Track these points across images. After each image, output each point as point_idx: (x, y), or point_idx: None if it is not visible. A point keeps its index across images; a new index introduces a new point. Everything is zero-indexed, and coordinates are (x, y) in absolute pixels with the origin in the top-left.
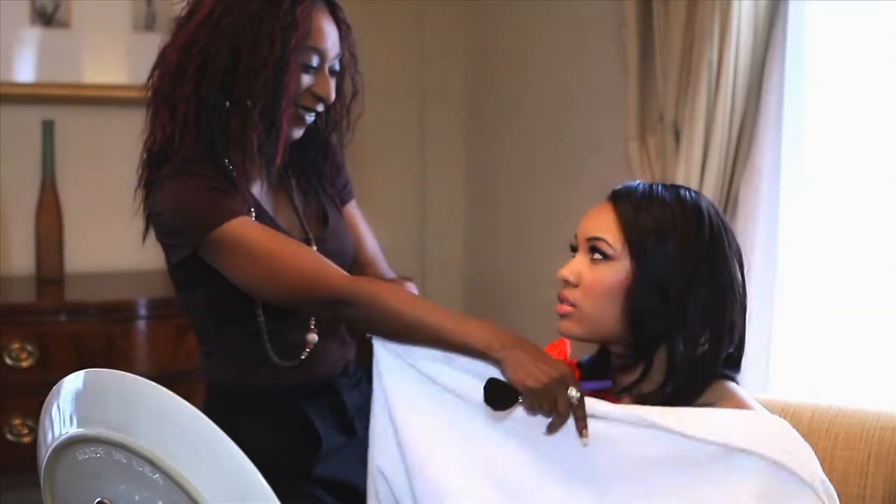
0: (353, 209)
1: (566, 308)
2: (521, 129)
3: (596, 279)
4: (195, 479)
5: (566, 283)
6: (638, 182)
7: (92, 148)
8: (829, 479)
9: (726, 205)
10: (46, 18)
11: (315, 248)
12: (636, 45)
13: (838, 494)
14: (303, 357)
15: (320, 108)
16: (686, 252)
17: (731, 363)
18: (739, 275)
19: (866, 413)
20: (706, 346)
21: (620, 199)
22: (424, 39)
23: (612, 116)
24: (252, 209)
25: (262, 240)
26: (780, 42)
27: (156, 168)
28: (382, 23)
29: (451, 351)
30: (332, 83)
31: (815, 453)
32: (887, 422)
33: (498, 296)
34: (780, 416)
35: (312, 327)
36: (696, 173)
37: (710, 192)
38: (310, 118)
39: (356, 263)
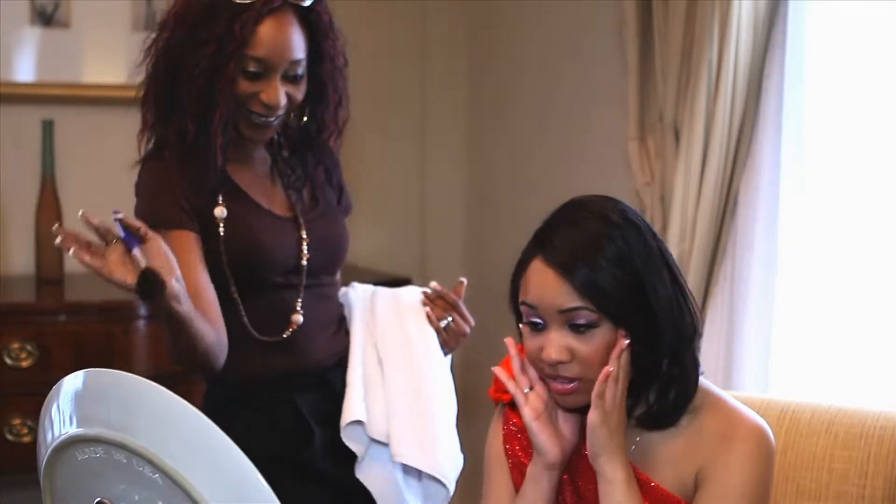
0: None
1: (569, 387)
2: (521, 129)
3: (594, 350)
4: (195, 479)
5: (559, 363)
6: (556, 223)
7: (92, 148)
8: (829, 479)
9: (726, 205)
10: (46, 18)
11: (303, 230)
12: (636, 45)
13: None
14: (285, 336)
15: (273, 115)
16: (653, 271)
17: None
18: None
19: (866, 413)
20: (693, 347)
21: (560, 258)
22: (425, 39)
23: (612, 116)
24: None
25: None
26: (780, 42)
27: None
28: (384, 21)
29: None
30: (282, 91)
31: (815, 453)
32: (887, 422)
33: (498, 296)
34: (779, 416)
35: (299, 308)
36: (695, 173)
37: (710, 192)
38: (269, 121)
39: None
